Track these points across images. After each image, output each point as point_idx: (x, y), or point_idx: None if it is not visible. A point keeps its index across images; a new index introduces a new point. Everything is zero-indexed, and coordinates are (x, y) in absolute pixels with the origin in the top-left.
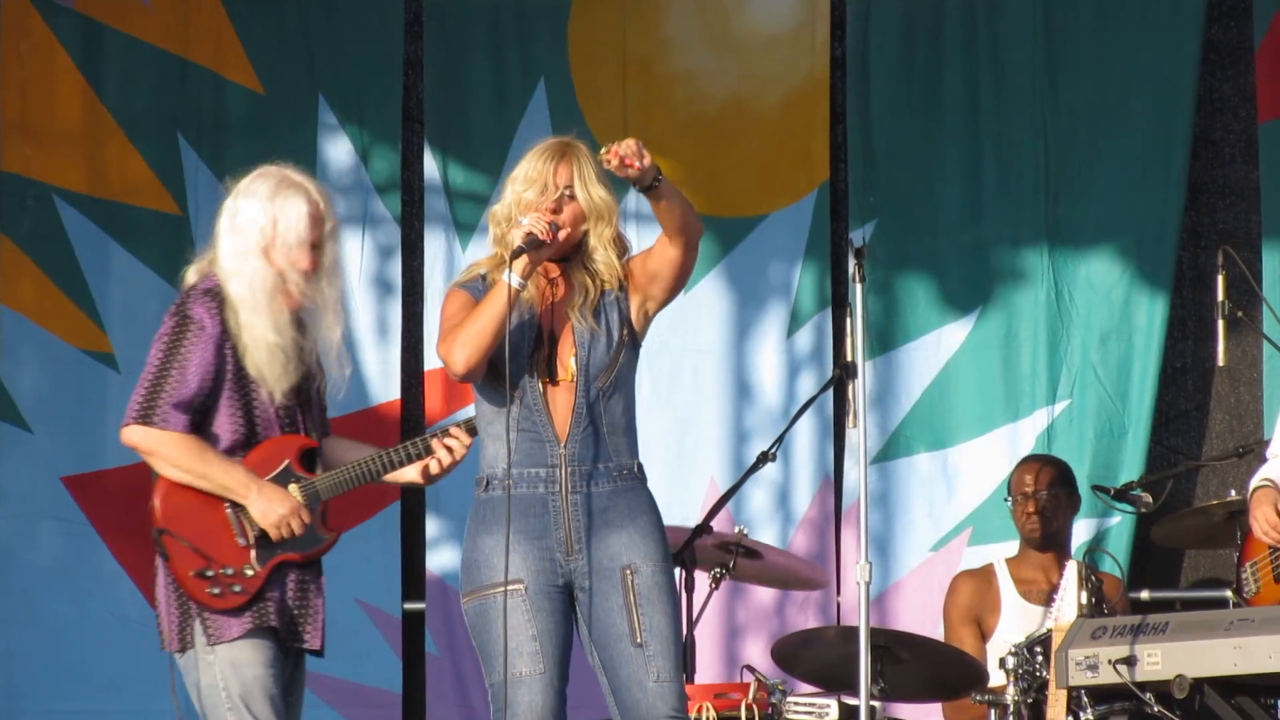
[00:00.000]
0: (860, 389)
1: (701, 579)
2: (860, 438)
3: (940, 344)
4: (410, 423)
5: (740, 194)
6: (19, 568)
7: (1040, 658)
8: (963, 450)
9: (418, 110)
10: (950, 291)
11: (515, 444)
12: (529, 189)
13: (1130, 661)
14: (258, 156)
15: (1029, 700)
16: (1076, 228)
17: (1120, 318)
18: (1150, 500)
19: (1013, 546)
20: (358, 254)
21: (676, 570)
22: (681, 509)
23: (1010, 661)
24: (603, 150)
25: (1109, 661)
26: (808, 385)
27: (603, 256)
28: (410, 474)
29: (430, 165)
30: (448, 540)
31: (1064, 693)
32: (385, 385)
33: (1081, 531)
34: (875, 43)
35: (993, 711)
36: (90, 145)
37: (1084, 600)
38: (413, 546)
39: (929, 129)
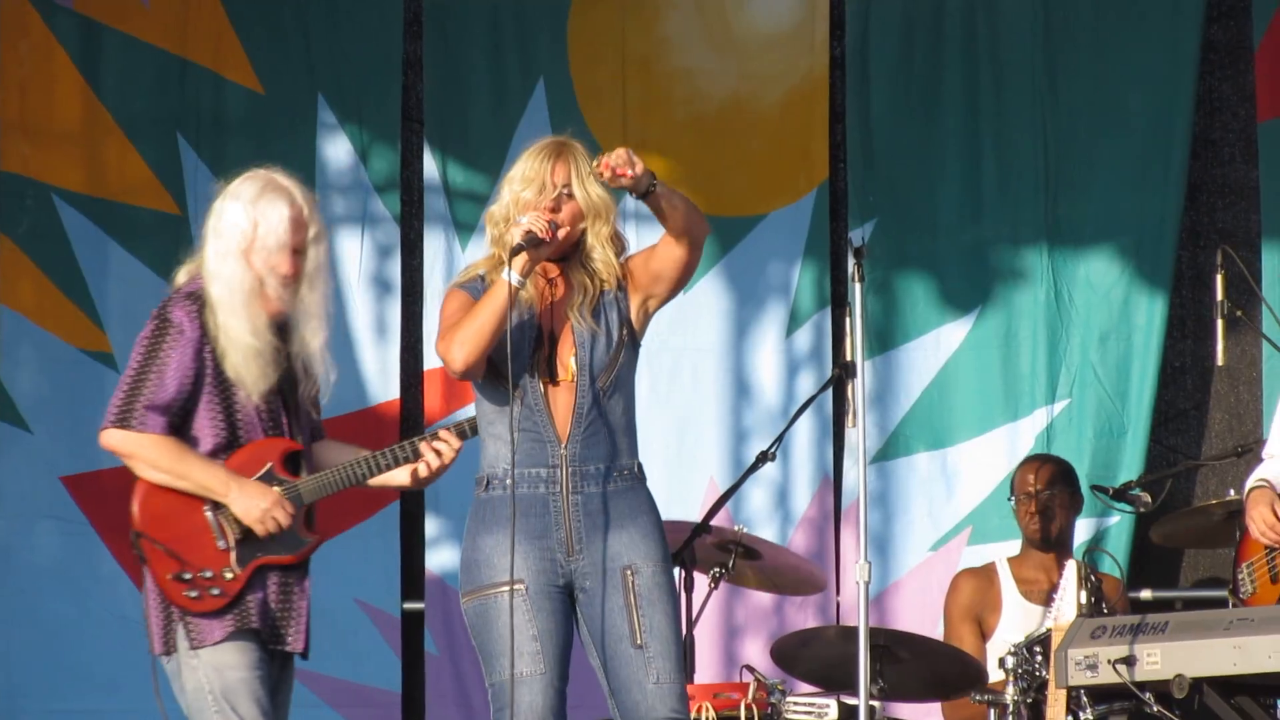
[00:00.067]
0: (859, 388)
1: (701, 578)
2: (859, 437)
3: (939, 343)
4: (409, 422)
5: (739, 193)
6: (18, 567)
7: (1040, 657)
8: (962, 450)
9: (417, 110)
10: (949, 291)
11: (517, 444)
12: (526, 188)
13: (1130, 661)
14: (257, 156)
15: (1028, 700)
16: (1076, 227)
17: (1119, 317)
18: (1149, 500)
19: (1012, 546)
20: (357, 253)
21: (676, 570)
22: (681, 508)
23: (1009, 661)
24: (594, 164)
25: (1108, 661)
26: (807, 385)
27: (601, 255)
28: (399, 477)
29: (429, 165)
30: (447, 540)
31: (1063, 692)
32: (384, 385)
33: (1081, 531)
34: (875, 42)
35: (992, 711)
36: (89, 145)
37: (1083, 600)
38: (412, 546)
39: (928, 128)
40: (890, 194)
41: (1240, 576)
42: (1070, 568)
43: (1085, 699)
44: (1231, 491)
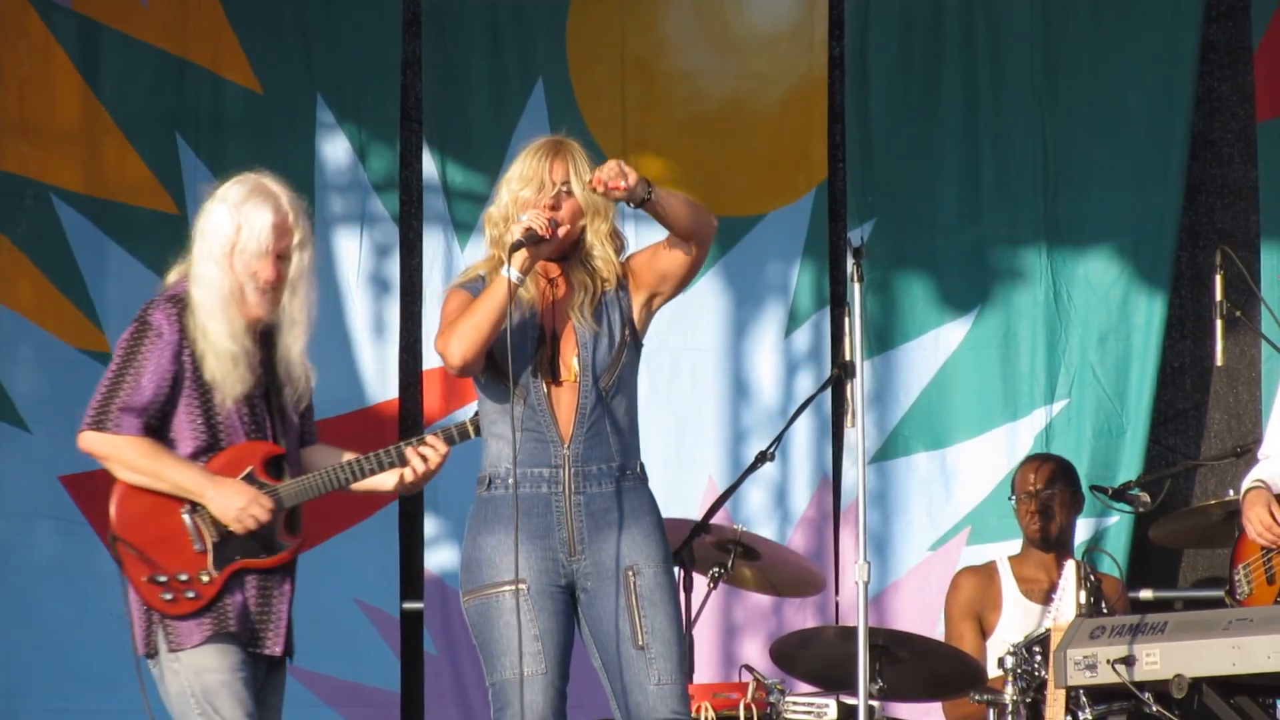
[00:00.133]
0: (858, 388)
1: (700, 578)
2: (859, 437)
3: (938, 343)
4: (408, 422)
5: (738, 193)
6: (17, 567)
7: (1039, 657)
8: (961, 450)
9: (416, 110)
10: (948, 291)
11: (519, 443)
12: (525, 187)
13: (1129, 661)
14: (256, 156)
15: (1027, 700)
16: (1075, 227)
17: (1119, 317)
18: (1148, 500)
19: (1011, 546)
20: (355, 253)
21: (675, 569)
22: (680, 508)
23: (1009, 661)
24: (588, 181)
25: (1107, 661)
26: (806, 384)
27: (601, 252)
28: (384, 482)
29: (428, 164)
30: (446, 540)
31: (1062, 692)
32: (382, 384)
33: (1080, 531)
34: (874, 42)
35: (991, 711)
36: (88, 144)
37: (1082, 600)
38: (411, 546)
39: (927, 128)
40: (889, 194)
41: (1237, 578)
42: (1069, 568)
43: (1084, 699)
44: (1231, 491)
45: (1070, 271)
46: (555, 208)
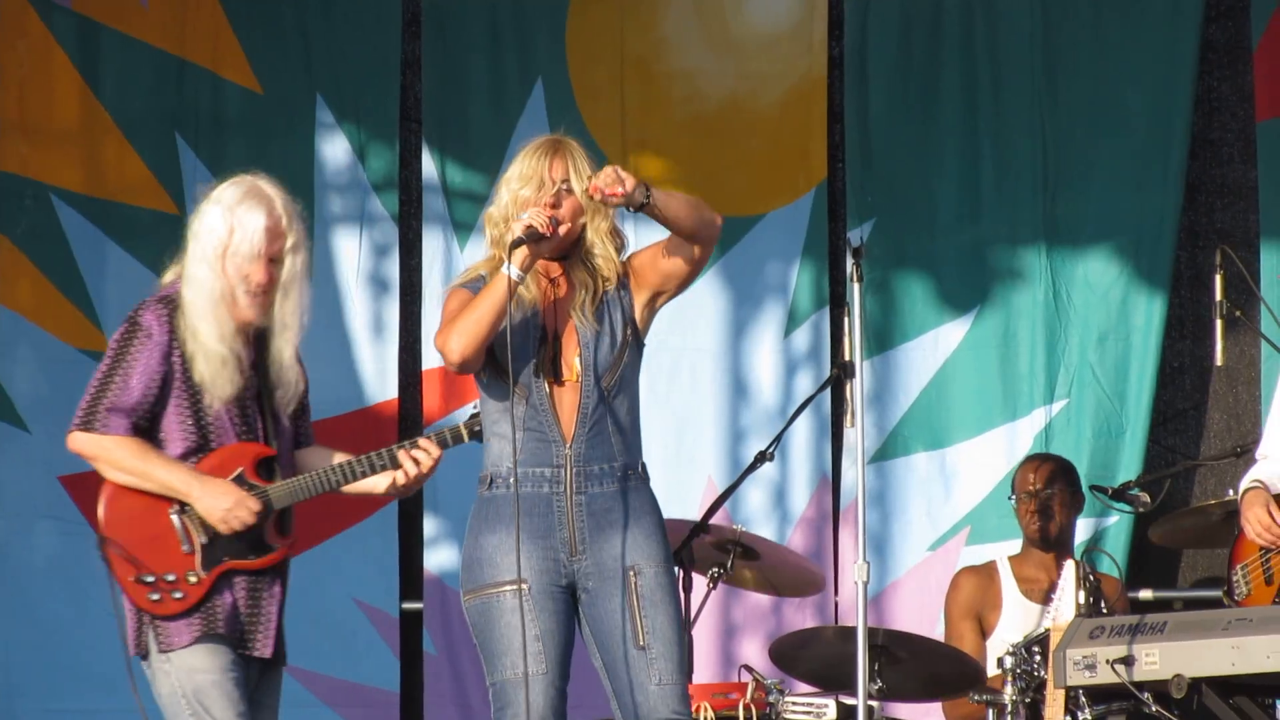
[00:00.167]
0: (858, 388)
1: (699, 578)
2: (858, 437)
3: (938, 343)
4: (407, 422)
5: (738, 193)
6: (16, 567)
7: (1038, 657)
8: (960, 450)
9: (415, 109)
10: (948, 291)
11: (521, 443)
12: (525, 186)
13: (1128, 661)
14: (255, 156)
15: (1027, 700)
16: (1074, 227)
17: (1118, 317)
18: (1148, 500)
19: (1010, 546)
20: (354, 252)
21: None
22: (679, 508)
23: (1008, 661)
24: (585, 189)
25: (1107, 661)
26: (805, 384)
27: (601, 250)
28: (376, 485)
29: (428, 164)
30: (446, 540)
31: (1062, 692)
32: (381, 384)
33: (1080, 531)
34: (873, 42)
35: (991, 711)
36: (88, 145)
37: (1082, 600)
38: (411, 546)
39: (927, 128)
40: (889, 194)
41: (1235, 578)
42: (1069, 568)
43: (1083, 699)
44: (1230, 491)
45: (1070, 271)
46: (555, 206)
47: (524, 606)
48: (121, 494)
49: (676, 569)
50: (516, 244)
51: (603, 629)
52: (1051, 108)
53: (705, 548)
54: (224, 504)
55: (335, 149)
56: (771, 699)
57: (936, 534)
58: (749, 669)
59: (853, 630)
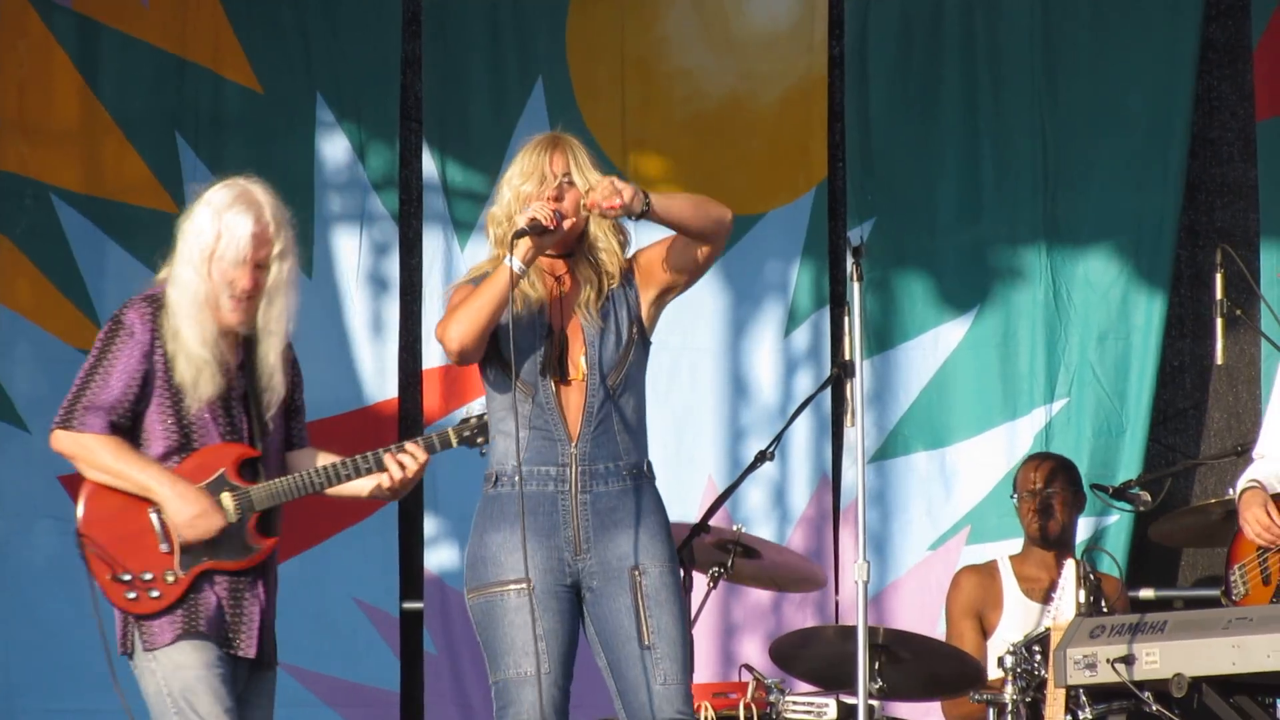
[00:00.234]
0: (858, 388)
1: (699, 578)
2: (858, 436)
3: (938, 343)
4: (407, 421)
5: (738, 192)
6: (16, 567)
7: (1039, 656)
8: (960, 449)
9: (416, 109)
10: (948, 290)
11: (527, 441)
12: (526, 182)
13: (1128, 660)
14: (255, 155)
15: (1027, 699)
16: (1074, 226)
17: (1118, 316)
18: (1148, 499)
19: (1010, 545)
20: (355, 252)
21: None
22: (679, 508)
23: (1008, 660)
24: (582, 204)
25: (1107, 660)
26: (805, 384)
27: (605, 244)
28: (362, 488)
29: (428, 163)
30: (446, 539)
31: (1062, 692)
32: (381, 384)
33: (1080, 530)
34: (873, 41)
35: (991, 710)
36: (88, 144)
37: (1082, 599)
38: (411, 546)
39: (927, 127)
40: (889, 193)
41: (1232, 579)
42: (1069, 567)
43: (1084, 698)
44: (1230, 491)
45: (1070, 270)
46: (558, 199)
47: (521, 605)
48: (101, 492)
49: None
50: (519, 235)
51: (607, 628)
52: (1051, 107)
53: (705, 548)
54: (190, 510)
55: (335, 148)
56: (772, 698)
57: (937, 533)
58: (749, 668)
59: (853, 629)
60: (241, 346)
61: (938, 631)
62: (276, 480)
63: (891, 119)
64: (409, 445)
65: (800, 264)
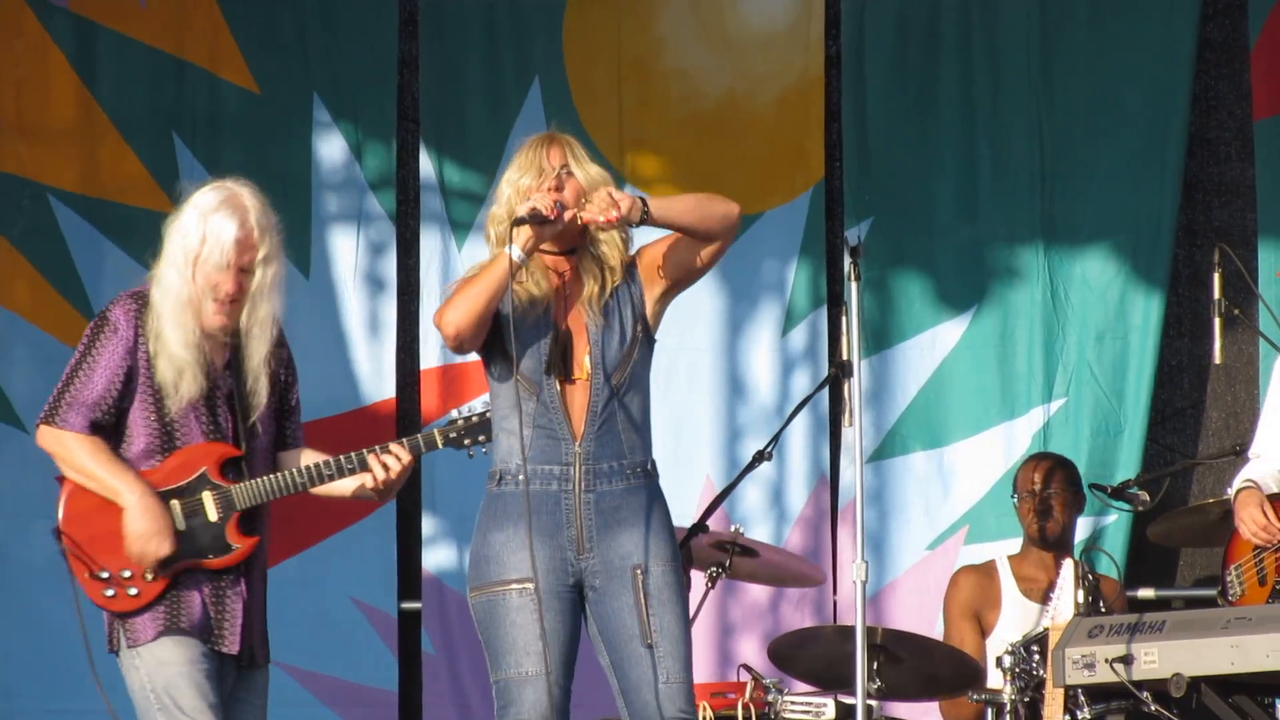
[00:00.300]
0: (856, 387)
1: (697, 578)
2: (856, 436)
3: (936, 342)
4: (405, 421)
5: (735, 192)
6: (14, 567)
7: (1037, 656)
8: (958, 449)
9: (412, 109)
10: (946, 290)
11: (531, 440)
12: (524, 176)
13: (1127, 660)
14: (252, 155)
15: (1026, 699)
16: (1072, 226)
17: (1116, 316)
18: (1147, 498)
19: (1008, 545)
20: (352, 251)
21: None
22: (678, 508)
23: (1007, 660)
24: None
25: (1106, 660)
26: (802, 384)
27: (607, 238)
28: (345, 488)
29: (425, 164)
30: (444, 539)
31: (1061, 691)
32: (378, 384)
33: (1078, 530)
34: (870, 41)
35: (990, 710)
36: (85, 144)
37: (1080, 599)
38: (409, 546)
39: (924, 127)
40: (886, 193)
41: (1229, 579)
42: (1067, 567)
43: (1082, 698)
44: (1228, 490)
45: (1068, 270)
46: (559, 189)
47: (523, 605)
48: (80, 491)
49: None
50: (518, 222)
51: (610, 627)
52: (1049, 106)
53: (704, 547)
54: (143, 527)
55: (332, 148)
56: (770, 698)
57: (935, 533)
58: (748, 668)
59: (851, 629)
60: (229, 346)
61: (936, 631)
62: (258, 479)
63: (889, 119)
64: (393, 446)
65: (798, 264)
